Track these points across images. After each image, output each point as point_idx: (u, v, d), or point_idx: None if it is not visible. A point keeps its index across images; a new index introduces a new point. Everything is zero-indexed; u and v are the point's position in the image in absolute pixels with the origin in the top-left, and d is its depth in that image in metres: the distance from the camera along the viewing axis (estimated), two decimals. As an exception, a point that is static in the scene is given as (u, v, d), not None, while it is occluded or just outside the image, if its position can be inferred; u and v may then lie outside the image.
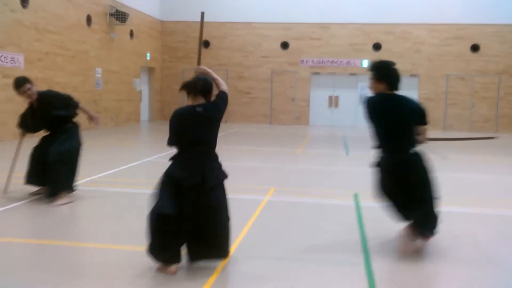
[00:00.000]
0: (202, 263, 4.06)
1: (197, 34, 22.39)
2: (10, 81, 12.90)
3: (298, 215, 6.03)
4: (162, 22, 22.80)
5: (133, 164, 9.59)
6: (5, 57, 12.46)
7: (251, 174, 8.91)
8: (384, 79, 4.42)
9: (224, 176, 4.12)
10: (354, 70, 22.09)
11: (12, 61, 12.73)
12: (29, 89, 6.17)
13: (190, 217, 3.85)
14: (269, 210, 6.20)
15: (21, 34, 13.05)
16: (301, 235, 5.13)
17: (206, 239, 3.91)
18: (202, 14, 4.94)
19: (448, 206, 5.79)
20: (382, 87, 4.45)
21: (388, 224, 5.17)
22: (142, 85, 21.43)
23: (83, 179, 7.40)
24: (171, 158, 4.00)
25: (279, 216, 5.96)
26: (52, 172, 6.14)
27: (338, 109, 22.66)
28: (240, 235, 4.98)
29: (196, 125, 3.91)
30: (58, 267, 4.08)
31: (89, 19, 16.44)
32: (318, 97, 22.62)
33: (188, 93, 4.02)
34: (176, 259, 3.91)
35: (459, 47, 21.34)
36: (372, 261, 4.34)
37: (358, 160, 11.13)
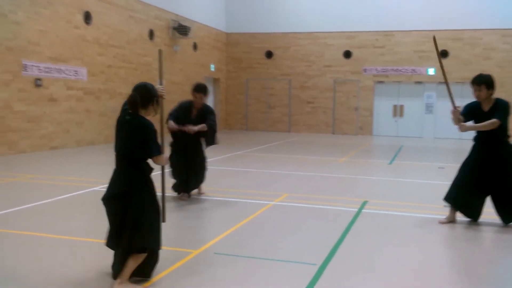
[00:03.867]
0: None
1: (261, 45, 23.13)
2: (74, 92, 14.19)
3: (304, 219, 6.10)
4: (227, 34, 23.54)
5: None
6: (69, 70, 13.61)
7: (271, 181, 9.04)
8: (494, 88, 5.72)
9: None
10: (419, 78, 21.38)
11: (75, 74, 13.87)
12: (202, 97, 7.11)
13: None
14: (275, 212, 6.32)
15: (84, 49, 14.18)
16: (280, 236, 5.21)
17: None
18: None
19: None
20: (489, 94, 5.70)
21: (375, 234, 5.11)
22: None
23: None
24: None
25: (285, 219, 6.07)
26: (198, 181, 7.31)
27: (403, 118, 22.00)
28: (228, 231, 5.18)
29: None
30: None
31: (151, 33, 17.45)
32: (382, 106, 22.13)
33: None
34: None
35: (535, 52, 19.96)
36: (330, 264, 4.35)
37: (390, 170, 10.86)
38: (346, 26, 21.99)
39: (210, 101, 22.67)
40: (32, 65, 12.44)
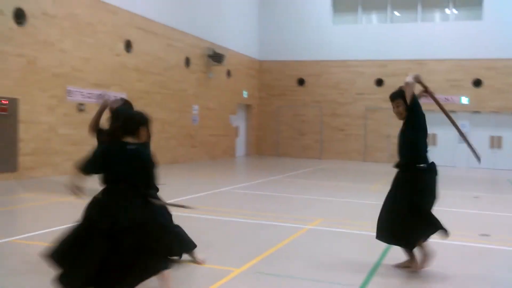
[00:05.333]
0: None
1: (293, 72, 23.55)
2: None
3: (341, 243, 6.22)
4: (260, 61, 24.03)
5: (209, 192, 10.36)
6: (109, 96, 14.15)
7: (304, 206, 9.17)
8: None
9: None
10: (452, 107, 21.25)
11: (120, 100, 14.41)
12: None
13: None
14: (311, 236, 6.47)
15: (124, 75, 14.76)
16: (319, 258, 5.35)
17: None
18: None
19: None
20: None
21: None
22: (239, 121, 22.62)
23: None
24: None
25: (319, 241, 6.21)
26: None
27: (436, 147, 21.84)
28: (266, 252, 5.36)
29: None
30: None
31: (187, 61, 18.02)
32: (414, 134, 22.03)
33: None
34: None
35: None
36: (370, 284, 4.47)
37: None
38: (378, 54, 22.18)
39: (242, 127, 23.08)
40: (76, 91, 13.02)
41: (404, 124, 5.09)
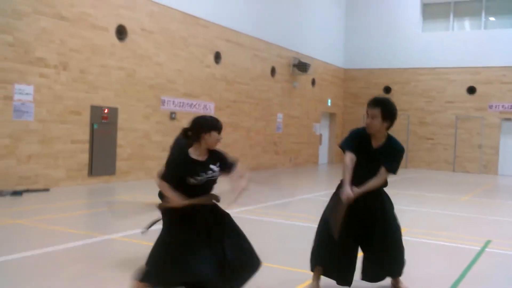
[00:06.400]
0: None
1: (379, 80, 23.22)
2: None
3: (425, 254, 6.20)
4: (345, 69, 23.96)
5: (291, 199, 10.62)
6: (199, 105, 14.91)
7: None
8: (392, 120, 4.45)
9: None
10: (553, 115, 19.95)
11: (204, 108, 15.14)
12: None
13: None
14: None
15: (213, 86, 15.46)
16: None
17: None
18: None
19: None
20: (384, 127, 4.38)
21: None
22: (322, 130, 22.69)
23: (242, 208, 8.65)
24: None
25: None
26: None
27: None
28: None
29: None
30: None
31: (273, 71, 18.45)
32: (510, 145, 20.88)
33: None
34: None
35: None
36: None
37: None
38: (470, 61, 21.32)
39: (325, 135, 23.12)
40: (169, 100, 13.86)
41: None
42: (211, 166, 3.74)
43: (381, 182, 4.37)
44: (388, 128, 4.39)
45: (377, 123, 4.31)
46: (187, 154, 3.73)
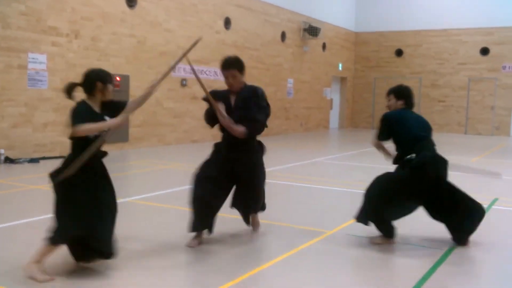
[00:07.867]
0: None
1: (391, 43, 23.00)
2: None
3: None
4: (356, 33, 23.72)
5: (304, 162, 10.79)
6: (209, 71, 14.98)
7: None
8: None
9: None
10: None
11: (215, 75, 15.20)
12: None
13: None
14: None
15: (222, 52, 15.42)
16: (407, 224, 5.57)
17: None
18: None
19: None
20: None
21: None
22: (333, 94, 22.67)
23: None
24: None
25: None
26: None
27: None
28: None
29: None
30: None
31: (283, 35, 18.36)
32: (523, 106, 20.74)
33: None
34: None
35: None
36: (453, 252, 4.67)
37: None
38: (483, 22, 20.98)
39: (336, 99, 23.09)
40: (179, 67, 13.94)
41: None
42: (105, 118, 4.09)
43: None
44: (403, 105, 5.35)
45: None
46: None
